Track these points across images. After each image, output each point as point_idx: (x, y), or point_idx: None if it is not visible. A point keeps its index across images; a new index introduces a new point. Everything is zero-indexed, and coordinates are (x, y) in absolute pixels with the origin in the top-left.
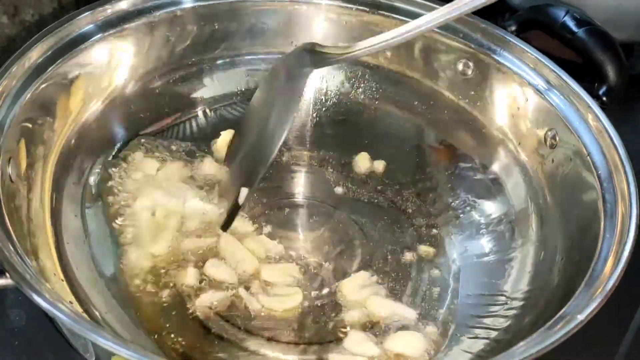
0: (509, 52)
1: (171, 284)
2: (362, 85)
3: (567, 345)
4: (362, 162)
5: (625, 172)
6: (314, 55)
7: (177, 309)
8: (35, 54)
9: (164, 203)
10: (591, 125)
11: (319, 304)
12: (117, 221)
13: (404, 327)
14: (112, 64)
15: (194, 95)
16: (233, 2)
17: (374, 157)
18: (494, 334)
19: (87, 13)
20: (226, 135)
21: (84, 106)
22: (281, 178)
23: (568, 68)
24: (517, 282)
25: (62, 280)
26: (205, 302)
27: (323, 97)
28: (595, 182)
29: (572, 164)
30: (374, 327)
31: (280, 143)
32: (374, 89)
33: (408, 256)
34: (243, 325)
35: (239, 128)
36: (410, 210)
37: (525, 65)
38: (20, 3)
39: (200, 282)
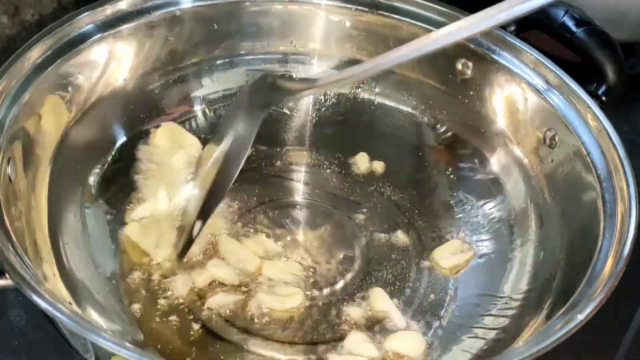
0: (508, 52)
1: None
2: (361, 85)
3: (567, 345)
4: (362, 162)
5: (624, 171)
6: (273, 91)
7: (177, 310)
8: (34, 54)
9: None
10: (591, 125)
11: (319, 304)
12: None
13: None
14: (112, 64)
15: (194, 95)
16: (232, 2)
17: (373, 157)
18: (493, 333)
19: (86, 13)
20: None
21: (83, 106)
22: (281, 178)
23: (567, 68)
24: (516, 282)
25: (61, 281)
26: (213, 305)
27: (322, 97)
28: (595, 182)
29: (572, 164)
30: (374, 327)
31: (231, 184)
32: (373, 89)
33: (407, 256)
34: (243, 325)
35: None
36: (409, 211)
37: (525, 65)
38: (20, 3)
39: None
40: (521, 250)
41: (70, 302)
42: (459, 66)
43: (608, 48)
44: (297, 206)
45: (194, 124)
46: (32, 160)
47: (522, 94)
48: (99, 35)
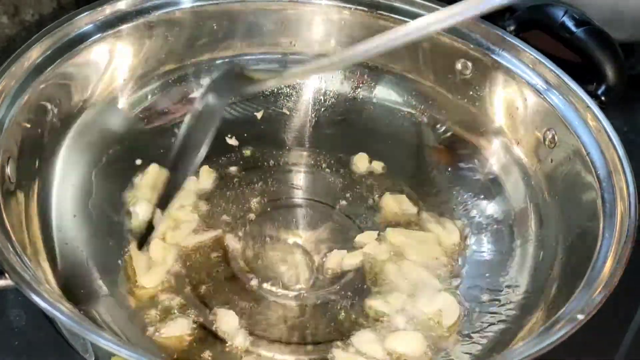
0: (507, 51)
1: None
2: (360, 85)
3: (567, 345)
4: (361, 163)
5: (624, 171)
6: (238, 81)
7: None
8: (34, 54)
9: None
10: (590, 125)
11: (319, 304)
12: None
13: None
14: (111, 64)
15: (193, 95)
16: (231, 2)
17: (373, 157)
18: (493, 333)
19: (86, 13)
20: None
21: (82, 106)
22: (280, 178)
23: (567, 68)
24: (516, 281)
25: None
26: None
27: (322, 98)
28: (595, 181)
29: (571, 164)
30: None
31: (190, 173)
32: (372, 89)
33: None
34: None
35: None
36: (409, 211)
37: (524, 65)
38: (20, 3)
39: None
40: (521, 250)
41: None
42: (459, 66)
43: (608, 48)
44: (297, 206)
45: None
46: (32, 160)
47: (521, 94)
48: (98, 35)
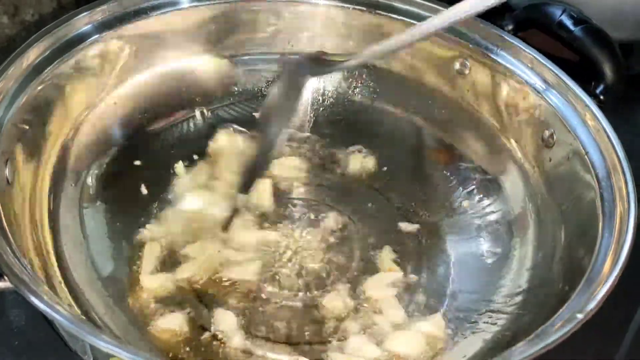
0: (506, 51)
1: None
2: (359, 85)
3: (567, 345)
4: (361, 163)
5: (623, 171)
6: (315, 63)
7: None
8: (32, 55)
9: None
10: (589, 125)
11: (318, 304)
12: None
13: (400, 327)
14: (110, 65)
15: (192, 95)
16: (230, 2)
17: (372, 157)
18: (493, 333)
19: (84, 13)
20: (221, 136)
21: (81, 107)
22: (279, 178)
23: (565, 67)
24: (515, 281)
25: (61, 283)
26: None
27: (321, 97)
28: (594, 181)
29: (570, 164)
30: (371, 328)
31: (276, 148)
32: (371, 89)
33: (407, 257)
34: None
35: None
36: (408, 211)
37: (523, 64)
38: (20, 3)
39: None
40: (520, 250)
41: (69, 305)
42: (457, 66)
43: (606, 47)
44: (296, 205)
45: (191, 125)
46: (31, 161)
47: (520, 94)
48: (97, 35)
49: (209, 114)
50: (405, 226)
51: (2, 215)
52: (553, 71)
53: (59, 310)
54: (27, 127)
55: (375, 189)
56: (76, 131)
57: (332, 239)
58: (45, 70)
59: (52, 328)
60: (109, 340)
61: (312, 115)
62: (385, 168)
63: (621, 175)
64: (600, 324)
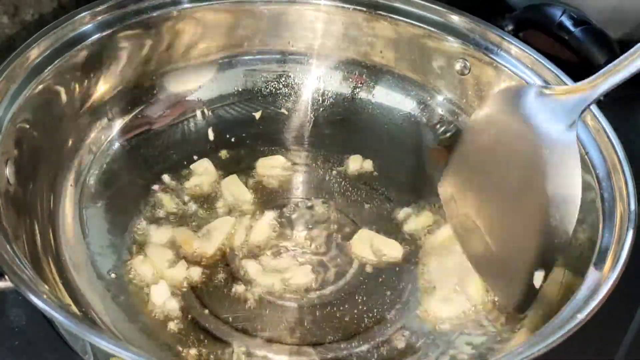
0: (506, 51)
1: None
2: (359, 85)
3: (567, 345)
4: (360, 163)
5: (623, 171)
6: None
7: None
8: (33, 54)
9: None
10: (589, 125)
11: (317, 304)
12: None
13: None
14: (110, 64)
15: (192, 95)
16: (230, 2)
17: (372, 157)
18: (493, 333)
19: (85, 13)
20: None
21: (81, 106)
22: (278, 177)
23: (565, 67)
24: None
25: (61, 283)
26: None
27: (321, 98)
28: (594, 181)
29: None
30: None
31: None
32: (371, 89)
33: (407, 256)
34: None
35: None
36: (408, 211)
37: (523, 64)
38: (20, 3)
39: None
40: None
41: (69, 304)
42: (458, 66)
43: (606, 47)
44: (296, 205)
45: (192, 125)
46: (31, 161)
47: None
48: (97, 35)
49: (210, 113)
50: (405, 226)
51: (2, 215)
52: (553, 71)
53: (59, 309)
54: (27, 127)
55: (375, 189)
56: (76, 131)
57: (331, 239)
58: (45, 70)
59: (52, 328)
60: (110, 340)
61: (312, 115)
62: (384, 168)
63: (621, 175)
64: (600, 324)
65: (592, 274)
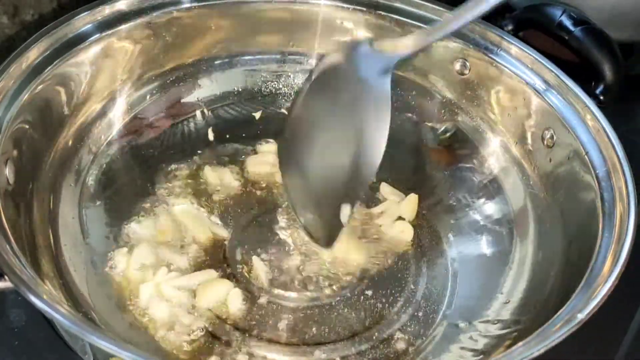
0: (506, 51)
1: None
2: None
3: (567, 345)
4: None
5: (623, 171)
6: (380, 54)
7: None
8: (33, 54)
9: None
10: (589, 125)
11: (317, 305)
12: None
13: None
14: (110, 65)
15: (192, 95)
16: (230, 2)
17: None
18: (492, 333)
19: (85, 13)
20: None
21: (81, 107)
22: (279, 176)
23: (565, 67)
24: (516, 281)
25: (60, 283)
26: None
27: None
28: (594, 181)
29: (570, 164)
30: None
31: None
32: None
33: (407, 256)
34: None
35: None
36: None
37: (523, 64)
38: (20, 3)
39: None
40: (520, 250)
41: (69, 304)
42: (457, 66)
43: (606, 47)
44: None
45: (192, 125)
46: (31, 161)
47: (520, 94)
48: (97, 35)
49: (210, 113)
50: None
51: (2, 215)
52: (553, 71)
53: (59, 310)
54: (27, 127)
55: (374, 189)
56: (76, 131)
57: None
58: (45, 70)
59: (52, 328)
60: (110, 340)
61: None
62: (384, 168)
63: (621, 175)
64: (600, 324)
65: (592, 274)
